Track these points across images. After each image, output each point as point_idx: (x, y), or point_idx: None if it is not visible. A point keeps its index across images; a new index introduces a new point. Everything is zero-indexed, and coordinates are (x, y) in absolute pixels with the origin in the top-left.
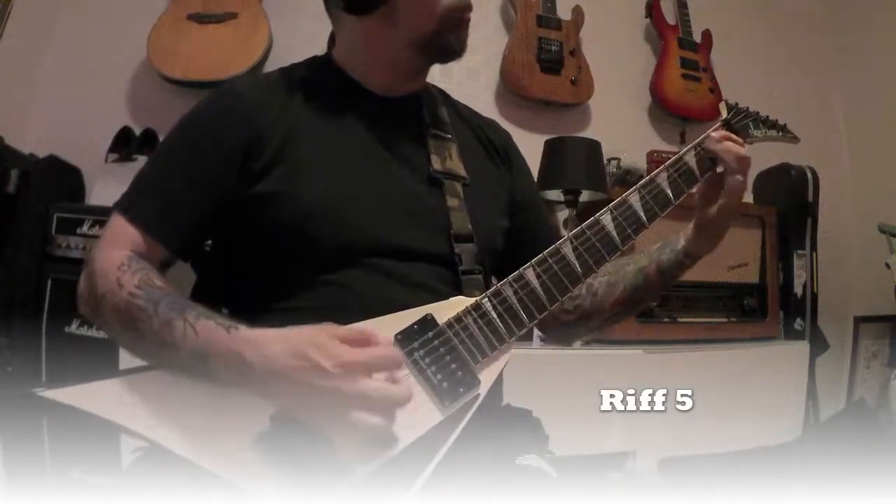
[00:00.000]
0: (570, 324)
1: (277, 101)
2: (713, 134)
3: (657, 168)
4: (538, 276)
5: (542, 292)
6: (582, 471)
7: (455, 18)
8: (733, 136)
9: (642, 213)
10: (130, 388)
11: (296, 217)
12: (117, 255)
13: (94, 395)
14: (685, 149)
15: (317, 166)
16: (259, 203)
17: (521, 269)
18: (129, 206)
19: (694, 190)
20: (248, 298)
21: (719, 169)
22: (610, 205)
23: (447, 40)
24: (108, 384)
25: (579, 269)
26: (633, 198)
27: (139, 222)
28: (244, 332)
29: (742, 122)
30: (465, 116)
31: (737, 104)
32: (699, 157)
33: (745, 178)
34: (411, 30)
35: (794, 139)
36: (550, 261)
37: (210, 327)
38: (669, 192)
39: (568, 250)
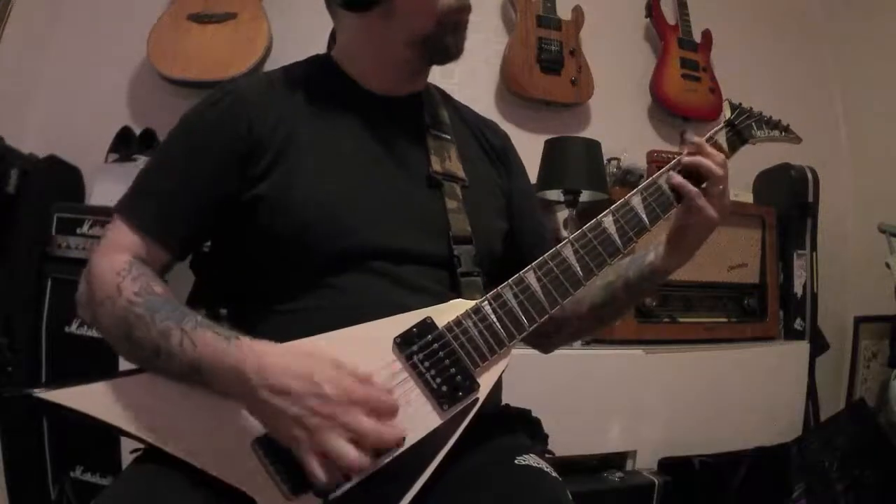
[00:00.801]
0: (544, 333)
1: (277, 102)
2: (686, 159)
3: (657, 168)
4: (539, 280)
5: (542, 296)
6: (582, 471)
7: (453, 20)
8: (707, 148)
9: (644, 216)
10: (129, 390)
11: (294, 219)
12: (117, 260)
13: (93, 397)
14: (684, 153)
15: (316, 168)
16: (259, 205)
17: (521, 272)
18: (128, 208)
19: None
20: (248, 300)
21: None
22: (611, 207)
23: (445, 42)
24: (107, 385)
25: (580, 271)
26: (635, 200)
27: (139, 225)
28: (244, 343)
29: (745, 123)
30: (465, 117)
31: (740, 104)
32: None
33: (723, 191)
34: (409, 29)
35: (797, 139)
36: (551, 263)
37: (208, 338)
38: (671, 194)
39: (569, 253)
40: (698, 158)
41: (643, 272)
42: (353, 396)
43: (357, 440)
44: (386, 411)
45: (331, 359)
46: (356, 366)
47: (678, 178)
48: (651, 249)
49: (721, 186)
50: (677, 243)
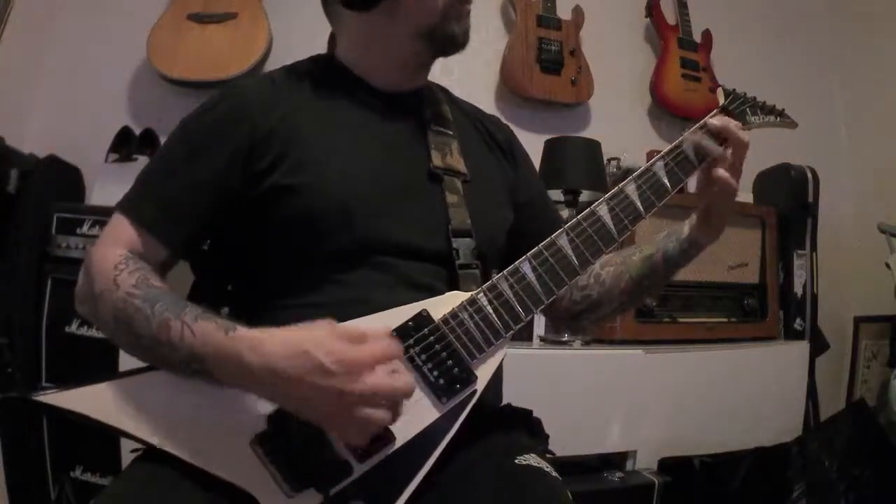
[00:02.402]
0: (579, 313)
1: (280, 98)
2: (713, 121)
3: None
4: (534, 270)
5: (538, 286)
6: (582, 471)
7: (456, 10)
8: (732, 120)
9: (639, 204)
10: (128, 392)
11: (301, 211)
12: (115, 253)
13: (93, 399)
14: (682, 137)
15: (321, 161)
16: (265, 197)
17: (516, 263)
18: (130, 206)
19: (693, 177)
20: (249, 297)
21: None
22: (606, 196)
23: (451, 31)
24: (106, 387)
25: (576, 261)
26: (630, 188)
27: (141, 222)
28: (242, 332)
29: (740, 108)
30: (468, 112)
31: (734, 90)
32: (696, 145)
33: (742, 160)
34: (414, 23)
35: (793, 124)
36: (546, 253)
37: (207, 328)
38: (666, 181)
39: (564, 242)
40: (726, 121)
41: (682, 245)
42: (352, 362)
43: (370, 402)
44: (388, 359)
45: (326, 331)
46: (351, 327)
47: (707, 140)
48: (686, 224)
49: (741, 154)
50: (706, 220)
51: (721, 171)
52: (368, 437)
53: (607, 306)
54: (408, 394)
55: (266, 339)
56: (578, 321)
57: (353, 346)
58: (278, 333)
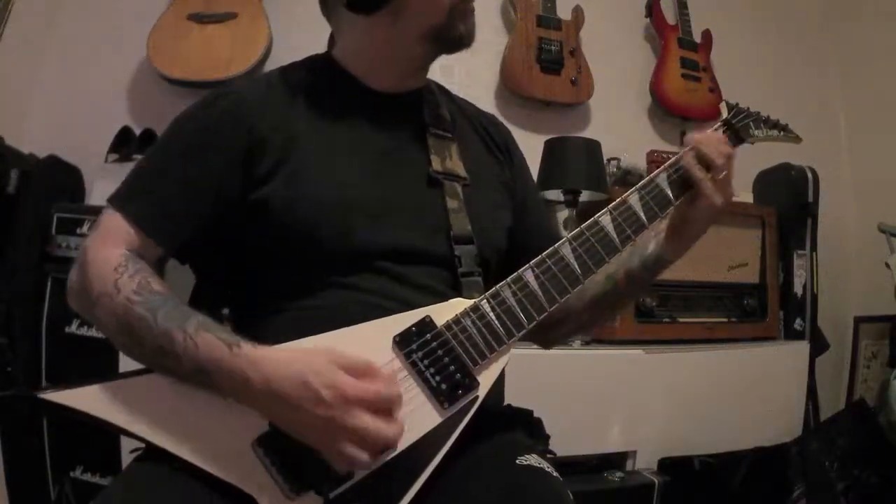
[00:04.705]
0: (547, 328)
1: (278, 101)
2: (690, 145)
3: (657, 168)
4: (537, 278)
5: (541, 294)
6: (582, 471)
7: (461, 8)
8: (705, 142)
9: (642, 214)
10: (130, 391)
11: (300, 219)
12: (114, 254)
13: (95, 397)
14: (686, 149)
15: (320, 168)
16: (264, 206)
17: (519, 271)
18: (124, 202)
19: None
20: (251, 301)
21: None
22: (609, 206)
23: (458, 31)
24: (109, 386)
25: (578, 270)
26: (633, 198)
27: (135, 220)
28: (246, 349)
29: (743, 122)
30: (466, 112)
31: (737, 104)
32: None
33: (730, 178)
34: (420, 24)
35: (796, 139)
36: (549, 262)
37: (211, 342)
38: (669, 192)
39: (567, 251)
40: (700, 151)
41: (645, 262)
42: (349, 397)
43: (358, 440)
44: (384, 406)
45: (327, 358)
46: (356, 357)
47: (691, 161)
48: (652, 240)
49: (724, 173)
50: (679, 232)
51: (708, 189)
52: (348, 468)
53: (572, 323)
54: (393, 443)
55: (269, 358)
56: (546, 336)
57: (354, 380)
58: (281, 354)
